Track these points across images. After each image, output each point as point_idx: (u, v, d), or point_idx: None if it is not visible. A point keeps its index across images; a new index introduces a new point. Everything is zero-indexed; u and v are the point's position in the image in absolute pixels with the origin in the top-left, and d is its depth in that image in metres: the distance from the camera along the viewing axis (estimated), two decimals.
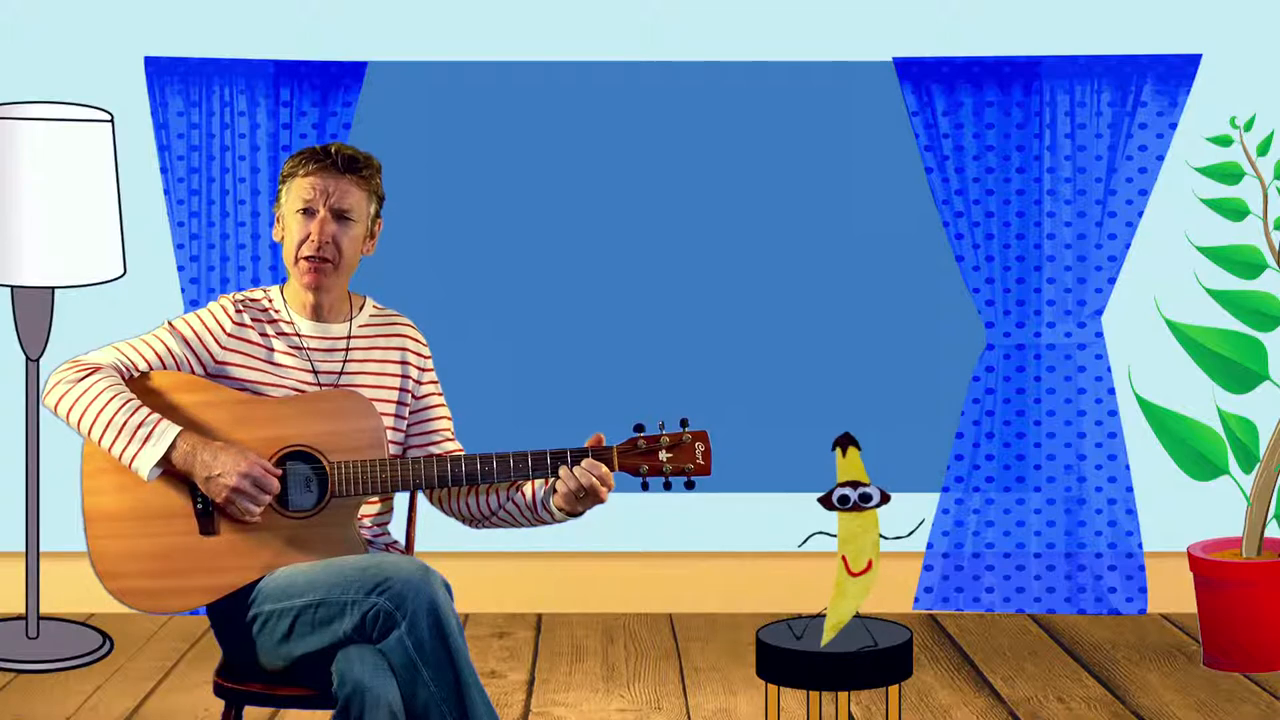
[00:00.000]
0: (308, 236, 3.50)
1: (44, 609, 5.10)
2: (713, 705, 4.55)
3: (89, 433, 3.37)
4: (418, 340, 3.66)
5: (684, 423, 3.51)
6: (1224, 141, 4.87)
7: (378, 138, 5.18)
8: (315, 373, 3.54)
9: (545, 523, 3.56)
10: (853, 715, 4.41)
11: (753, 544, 5.42)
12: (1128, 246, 5.28)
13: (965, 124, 5.26)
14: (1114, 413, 5.31)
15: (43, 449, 4.87)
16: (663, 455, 3.48)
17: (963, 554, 5.38)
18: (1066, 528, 5.36)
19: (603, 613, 5.41)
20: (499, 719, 3.28)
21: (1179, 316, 4.96)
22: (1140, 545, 5.34)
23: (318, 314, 3.57)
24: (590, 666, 4.88)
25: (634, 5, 5.34)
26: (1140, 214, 5.27)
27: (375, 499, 3.60)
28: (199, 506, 3.40)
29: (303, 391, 3.52)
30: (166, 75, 5.21)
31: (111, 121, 4.79)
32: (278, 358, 3.53)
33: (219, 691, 3.43)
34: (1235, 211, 4.89)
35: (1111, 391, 5.31)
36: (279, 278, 5.22)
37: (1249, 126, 4.85)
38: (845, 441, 3.45)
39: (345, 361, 3.57)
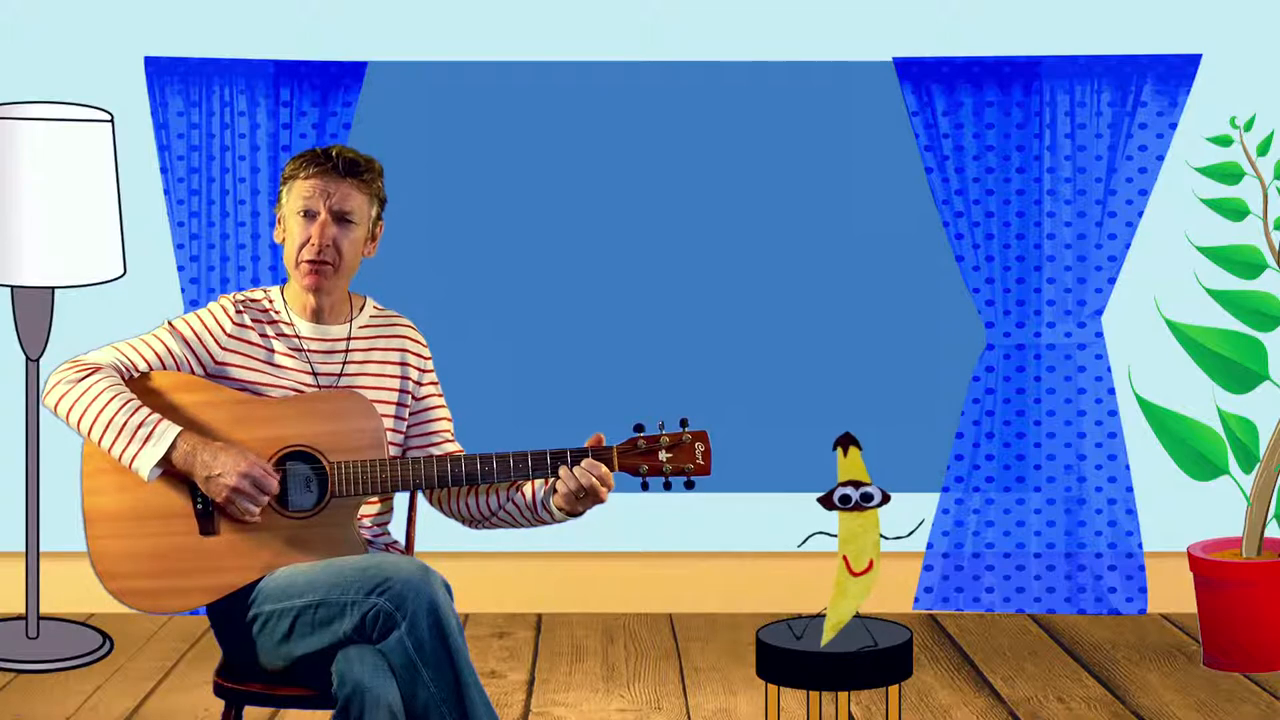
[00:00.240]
0: (308, 240, 3.50)
1: (44, 609, 5.10)
2: (713, 705, 4.55)
3: (89, 433, 3.37)
4: (418, 341, 3.66)
5: (684, 423, 3.51)
6: (1224, 141, 4.87)
7: (378, 138, 5.19)
8: (315, 374, 3.54)
9: (545, 523, 3.56)
10: (853, 715, 4.41)
11: (753, 544, 5.42)
12: (1128, 246, 5.28)
13: (965, 124, 5.26)
14: (1114, 413, 5.31)
15: (43, 449, 4.87)
16: (662, 455, 3.48)
17: (963, 554, 5.38)
18: (1066, 528, 5.36)
19: (603, 613, 5.41)
20: (499, 719, 3.29)
21: (1179, 316, 4.96)
22: (1140, 545, 5.34)
23: (318, 316, 3.57)
24: (590, 666, 4.88)
25: (634, 5, 5.34)
26: (1140, 214, 5.27)
27: (375, 499, 3.60)
28: (199, 507, 3.40)
29: (302, 392, 3.52)
30: (166, 75, 5.21)
31: (111, 121, 4.79)
32: (278, 359, 3.53)
33: (219, 691, 3.43)
34: (1235, 211, 4.89)
35: (1111, 391, 5.31)
36: (279, 278, 5.22)
37: (1249, 126, 4.85)
38: (846, 441, 3.45)
39: (345, 363, 3.57)
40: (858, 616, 3.50)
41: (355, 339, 3.59)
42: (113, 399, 3.36)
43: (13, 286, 4.77)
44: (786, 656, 3.45)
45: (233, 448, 3.38)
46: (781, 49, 5.33)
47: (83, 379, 3.39)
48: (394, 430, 3.58)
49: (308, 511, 3.43)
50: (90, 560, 3.42)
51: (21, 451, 5.00)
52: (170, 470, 3.38)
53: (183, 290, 5.25)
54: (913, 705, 4.51)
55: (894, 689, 3.53)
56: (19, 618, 5.02)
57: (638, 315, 5.44)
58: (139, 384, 3.45)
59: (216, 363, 3.51)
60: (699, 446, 3.49)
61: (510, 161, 5.41)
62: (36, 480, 4.85)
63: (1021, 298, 5.32)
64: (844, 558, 3.44)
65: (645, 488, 3.49)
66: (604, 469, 3.43)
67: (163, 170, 5.24)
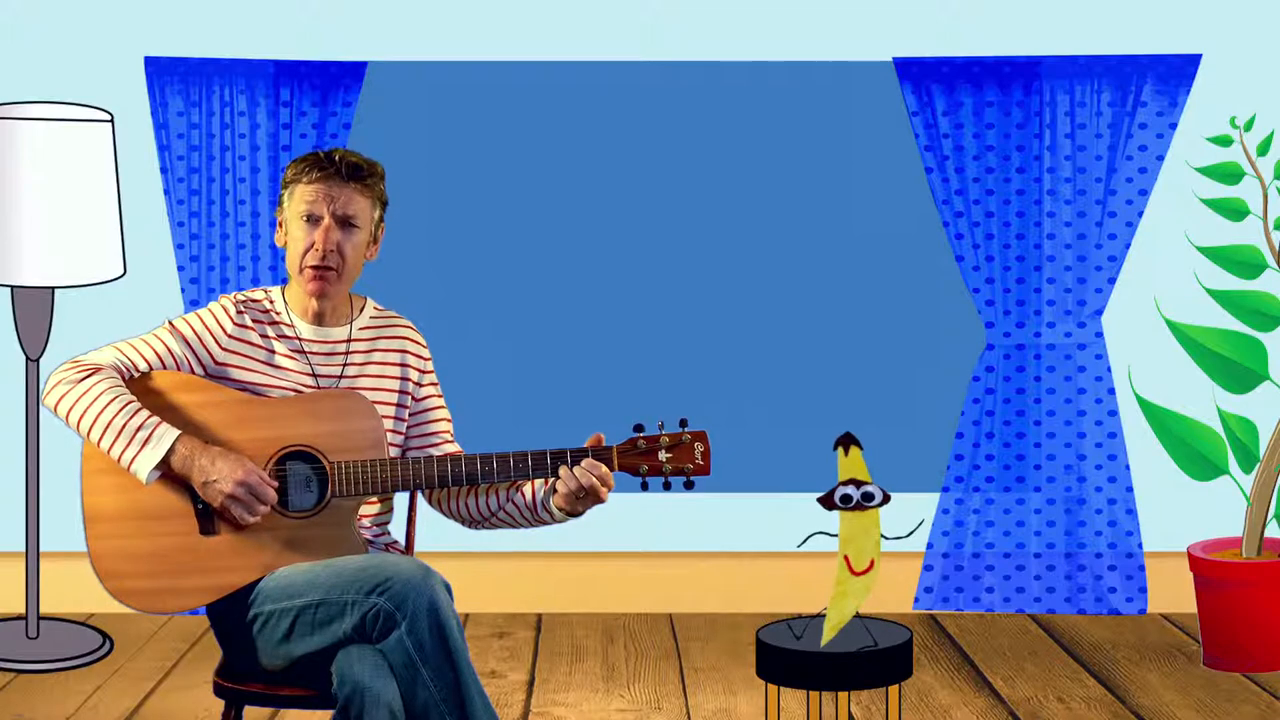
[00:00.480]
0: (312, 245, 3.49)
1: (44, 609, 5.10)
2: (713, 705, 4.55)
3: (88, 434, 3.37)
4: (418, 342, 3.66)
5: (683, 423, 3.51)
6: (1224, 141, 4.87)
7: (378, 138, 5.19)
8: (315, 375, 3.54)
9: (545, 523, 3.56)
10: (853, 715, 4.41)
11: (753, 544, 5.41)
12: (1128, 246, 5.28)
13: (965, 124, 5.26)
14: (1114, 413, 5.31)
15: (43, 449, 4.87)
16: (662, 455, 3.48)
17: (963, 554, 5.38)
18: (1066, 528, 5.36)
19: (603, 613, 5.41)
20: (499, 719, 3.28)
21: (1179, 316, 4.96)
22: (1140, 545, 5.34)
23: (319, 319, 3.57)
24: (590, 666, 4.88)
25: (634, 5, 5.34)
26: (1140, 214, 5.27)
27: (375, 499, 3.60)
28: (199, 507, 3.40)
29: (302, 393, 3.52)
30: (166, 75, 5.21)
31: (111, 121, 4.79)
32: (278, 359, 3.53)
33: (219, 691, 3.43)
34: (1235, 211, 4.89)
35: (1111, 391, 5.31)
36: (279, 278, 5.22)
37: (1249, 126, 4.85)
38: (847, 441, 3.45)
39: (345, 364, 3.57)
40: (858, 616, 3.50)
41: (356, 340, 3.59)
42: (112, 400, 3.36)
43: (13, 286, 4.77)
44: (786, 656, 3.45)
45: (231, 454, 3.37)
46: (781, 49, 5.33)
47: (83, 379, 3.39)
48: (394, 431, 3.58)
49: (308, 512, 3.43)
50: (90, 560, 3.42)
51: (21, 451, 5.00)
52: (169, 473, 3.38)
53: (183, 290, 5.25)
54: (913, 705, 4.51)
55: (894, 689, 3.53)
56: (19, 618, 5.02)
57: (638, 315, 5.44)
58: (139, 384, 3.45)
59: (217, 363, 3.51)
60: (699, 446, 3.49)
61: (510, 162, 5.41)
62: (36, 480, 4.85)
63: (1021, 298, 5.32)
64: (844, 557, 3.44)
65: (645, 488, 3.49)
66: (604, 469, 3.43)
67: (163, 170, 5.24)
